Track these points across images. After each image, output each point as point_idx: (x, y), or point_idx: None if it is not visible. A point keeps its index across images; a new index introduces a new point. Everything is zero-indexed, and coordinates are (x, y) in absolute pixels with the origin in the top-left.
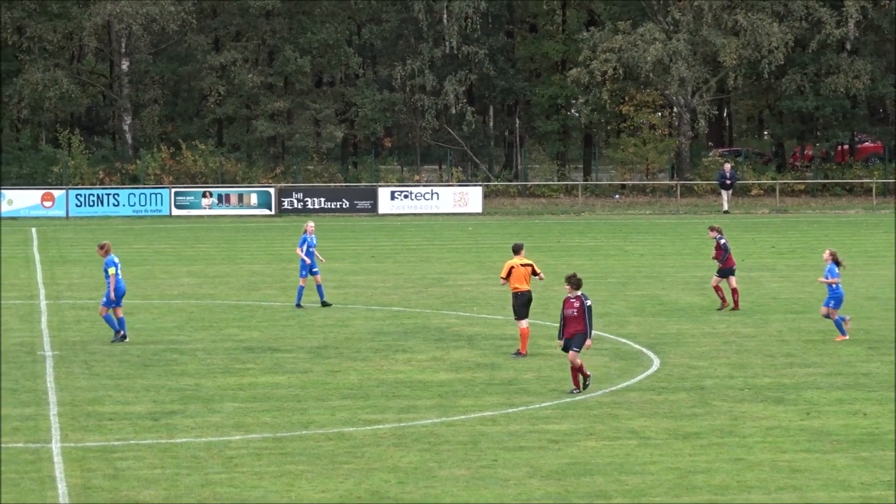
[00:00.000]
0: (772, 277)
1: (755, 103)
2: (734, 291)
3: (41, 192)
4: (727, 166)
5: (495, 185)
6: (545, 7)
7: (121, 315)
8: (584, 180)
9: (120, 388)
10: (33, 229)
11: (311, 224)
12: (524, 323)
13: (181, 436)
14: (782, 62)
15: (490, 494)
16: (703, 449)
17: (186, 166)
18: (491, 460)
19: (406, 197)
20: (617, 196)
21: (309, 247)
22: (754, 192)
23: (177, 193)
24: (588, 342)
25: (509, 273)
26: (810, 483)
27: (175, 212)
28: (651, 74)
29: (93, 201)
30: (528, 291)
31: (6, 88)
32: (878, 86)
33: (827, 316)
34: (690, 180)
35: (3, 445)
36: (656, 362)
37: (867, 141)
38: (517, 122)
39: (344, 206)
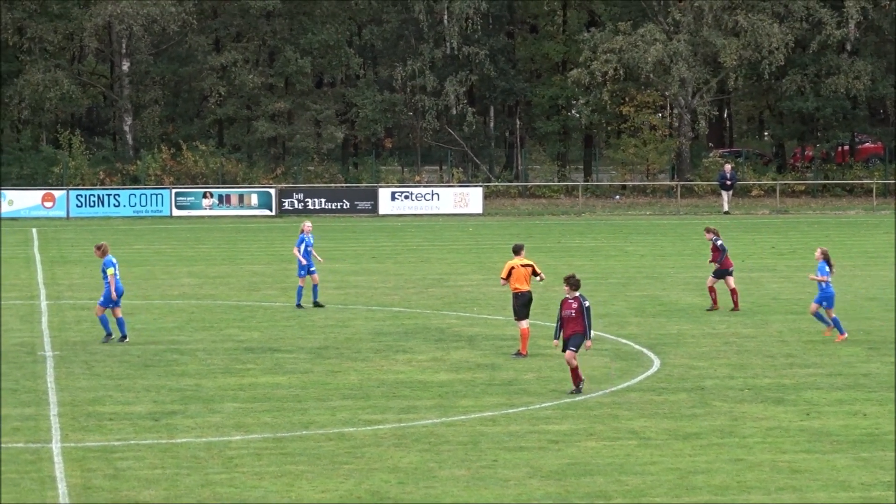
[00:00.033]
0: (772, 278)
1: (755, 104)
2: (733, 292)
3: (42, 193)
4: (727, 167)
5: (496, 185)
6: (546, 8)
7: (120, 315)
8: (584, 181)
9: (120, 388)
10: (34, 230)
11: (307, 224)
12: (524, 323)
13: (181, 436)
14: (783, 63)
15: (490, 495)
16: (703, 449)
17: (187, 167)
18: (491, 461)
19: (406, 197)
20: (617, 197)
21: (307, 246)
22: (755, 192)
23: (177, 194)
24: (588, 343)
25: (509, 273)
26: (810, 483)
27: (176, 212)
28: (651, 75)
29: (93, 202)
30: (529, 292)
31: (7, 89)
32: (878, 86)
33: (815, 313)
34: (691, 181)
35: (3, 445)
36: (656, 363)
37: (867, 142)
38: (518, 122)
39: (344, 207)
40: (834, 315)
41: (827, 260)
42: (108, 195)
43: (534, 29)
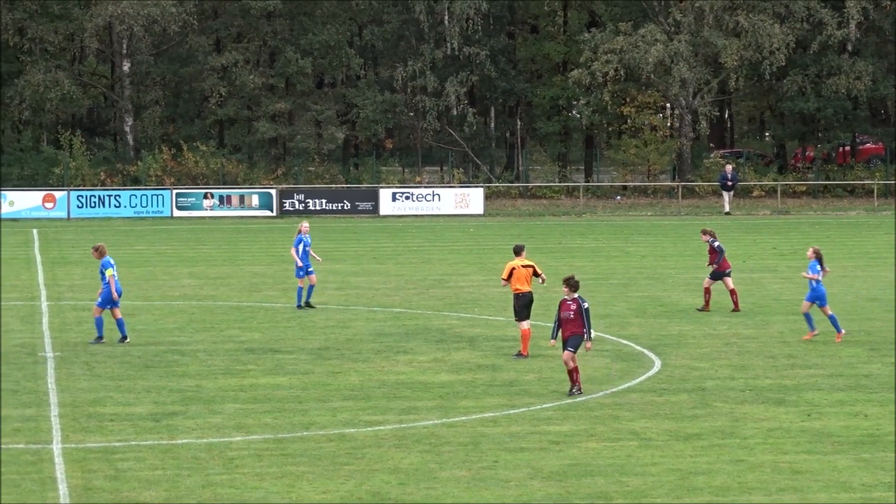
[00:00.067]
0: (773, 279)
1: (756, 104)
2: (732, 292)
3: (42, 194)
4: (728, 167)
5: (496, 186)
6: (546, 8)
7: (119, 316)
8: (585, 182)
9: (121, 389)
10: (34, 230)
11: (305, 224)
12: (525, 324)
13: (182, 437)
14: (783, 63)
15: (491, 495)
16: (704, 450)
17: (188, 167)
18: (492, 461)
19: (407, 198)
20: (618, 197)
21: (304, 247)
22: (755, 193)
23: (178, 195)
24: (588, 344)
25: (510, 274)
26: (811, 484)
27: (176, 213)
28: (652, 76)
29: (94, 202)
30: (530, 293)
31: (7, 90)
32: (879, 87)
33: (805, 313)
34: (692, 181)
35: (3, 446)
36: (657, 363)
37: (868, 142)
38: (518, 123)
39: (345, 208)
40: (830, 312)
41: (819, 259)
42: (109, 196)
43: (534, 29)
